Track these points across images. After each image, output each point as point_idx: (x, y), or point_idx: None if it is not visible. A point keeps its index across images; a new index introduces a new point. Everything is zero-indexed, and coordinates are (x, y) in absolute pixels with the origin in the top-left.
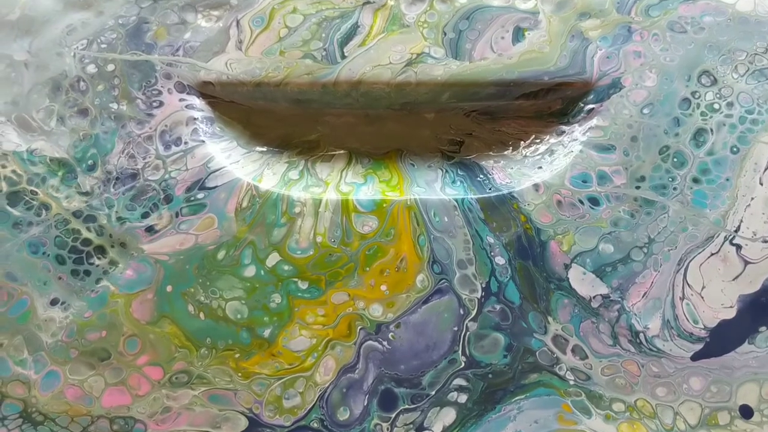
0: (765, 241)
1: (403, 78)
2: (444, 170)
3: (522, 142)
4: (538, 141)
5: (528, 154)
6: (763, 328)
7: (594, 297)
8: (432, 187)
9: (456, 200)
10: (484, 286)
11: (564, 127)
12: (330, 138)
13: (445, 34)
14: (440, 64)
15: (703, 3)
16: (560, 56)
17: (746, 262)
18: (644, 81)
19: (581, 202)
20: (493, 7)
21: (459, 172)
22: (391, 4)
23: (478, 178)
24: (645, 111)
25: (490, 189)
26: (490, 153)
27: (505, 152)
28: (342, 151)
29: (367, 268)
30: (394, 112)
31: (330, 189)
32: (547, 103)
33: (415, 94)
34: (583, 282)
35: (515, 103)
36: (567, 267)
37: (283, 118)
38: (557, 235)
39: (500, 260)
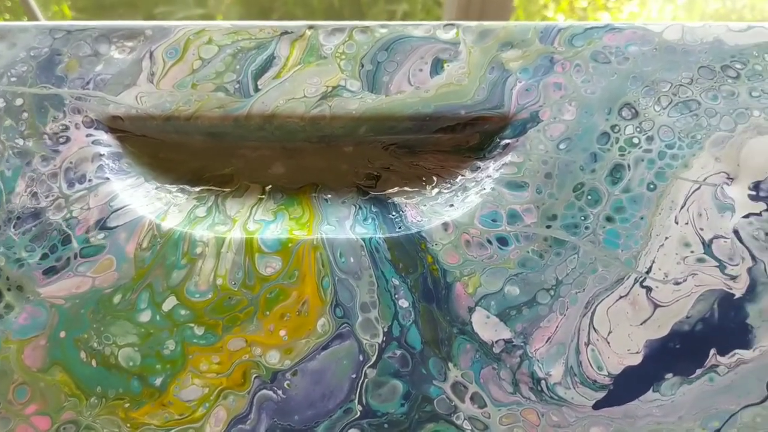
0: (677, 283)
1: (317, 112)
2: (358, 206)
3: (438, 178)
4: (453, 177)
5: (443, 190)
6: (669, 375)
7: (496, 342)
8: (342, 225)
9: (364, 240)
10: (386, 330)
11: (480, 163)
12: (244, 172)
13: (363, 66)
14: (356, 98)
15: (630, 32)
16: (478, 89)
17: (656, 306)
18: (563, 114)
19: (489, 242)
20: (414, 38)
21: (372, 209)
22: (310, 35)
23: (390, 216)
24: (561, 146)
25: (399, 228)
26: (406, 189)
27: (421, 188)
28: (256, 186)
29: (267, 313)
30: (312, 145)
31: (236, 227)
32: (466, 137)
33: (330, 128)
34: (486, 326)
35: (434, 136)
36: (471, 310)
37: (196, 151)
38: (463, 277)
39: (404, 303)
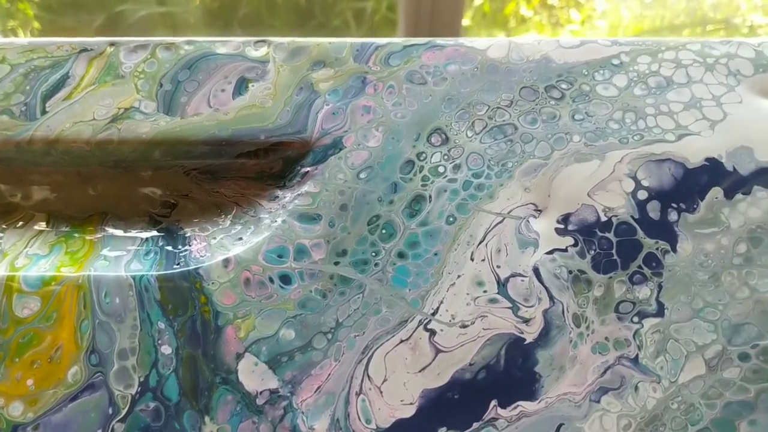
0: (463, 326)
1: (104, 136)
2: (143, 239)
3: (236, 207)
4: (252, 206)
5: (237, 221)
6: (442, 430)
7: (261, 392)
8: (118, 260)
9: (134, 278)
10: (142, 380)
11: (279, 192)
12: (31, 200)
13: (161, 85)
14: (148, 120)
15: (451, 49)
16: (282, 112)
17: (438, 351)
18: (368, 141)
19: (271, 280)
20: (220, 56)
21: (159, 242)
22: (110, 52)
23: (176, 250)
24: (362, 175)
25: (178, 264)
26: (201, 219)
27: (217, 218)
28: (41, 215)
29: (17, 359)
30: (108, 170)
31: (4, 263)
32: (269, 163)
33: (119, 152)
34: (252, 375)
35: (237, 161)
36: (239, 357)
37: None
38: (236, 319)
39: (167, 349)
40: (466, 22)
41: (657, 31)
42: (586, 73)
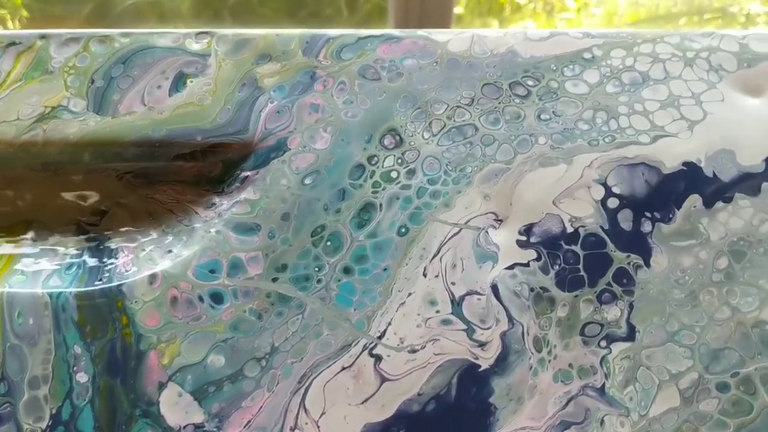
0: (412, 351)
1: (29, 137)
2: (67, 251)
3: (171, 215)
4: (187, 214)
5: (169, 231)
6: None
7: (185, 427)
8: (37, 276)
9: (51, 295)
10: (54, 412)
11: (216, 199)
12: None
13: (93, 82)
14: (76, 120)
15: (409, 42)
16: (222, 110)
17: (383, 379)
18: (315, 142)
19: (201, 298)
20: (158, 49)
21: (84, 254)
22: (40, 45)
23: (101, 263)
24: (307, 181)
25: (101, 280)
26: (131, 228)
27: (148, 227)
28: None
29: None
30: (36, 174)
31: None
32: (208, 166)
33: (45, 155)
34: (176, 407)
35: (173, 164)
36: (162, 386)
37: None
38: (160, 344)
39: (82, 377)
40: (458, 10)
41: (653, 19)
42: (554, 68)
